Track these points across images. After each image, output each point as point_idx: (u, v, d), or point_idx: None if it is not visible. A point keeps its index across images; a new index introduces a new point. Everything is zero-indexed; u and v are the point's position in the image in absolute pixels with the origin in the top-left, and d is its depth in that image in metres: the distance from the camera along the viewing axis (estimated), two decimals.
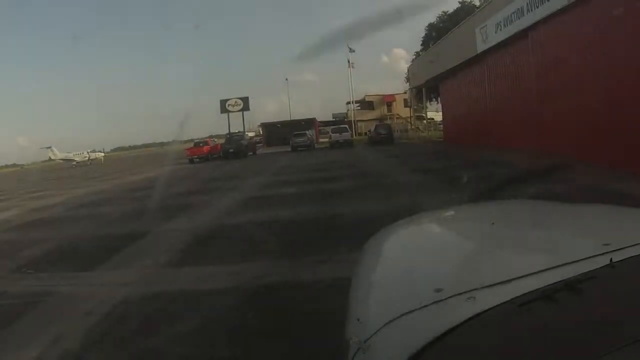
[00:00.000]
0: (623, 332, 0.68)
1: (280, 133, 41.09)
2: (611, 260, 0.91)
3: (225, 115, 42.99)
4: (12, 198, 18.84)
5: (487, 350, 0.77)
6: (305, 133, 34.50)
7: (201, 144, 32.81)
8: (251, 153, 33.36)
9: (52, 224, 10.35)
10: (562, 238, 1.35)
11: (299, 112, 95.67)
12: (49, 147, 51.42)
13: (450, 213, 1.93)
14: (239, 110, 43.65)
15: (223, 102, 43.05)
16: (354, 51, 45.94)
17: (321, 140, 38.89)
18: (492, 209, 1.85)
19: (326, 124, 45.20)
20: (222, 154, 30.78)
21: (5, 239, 8.79)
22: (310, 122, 43.35)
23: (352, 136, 34.17)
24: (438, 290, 0.95)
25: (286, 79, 61.71)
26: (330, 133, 33.45)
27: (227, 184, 14.82)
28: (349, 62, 46.78)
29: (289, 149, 32.63)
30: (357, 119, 46.68)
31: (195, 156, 31.43)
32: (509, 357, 0.74)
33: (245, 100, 43.90)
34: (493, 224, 1.48)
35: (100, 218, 10.34)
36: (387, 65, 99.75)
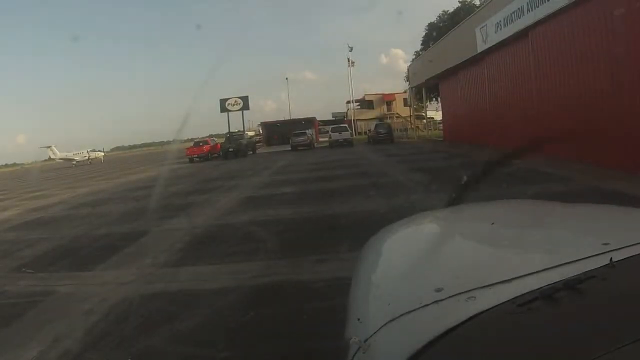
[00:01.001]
0: (623, 332, 0.68)
1: (280, 132, 41.02)
2: (611, 259, 0.90)
3: (225, 114, 42.85)
4: (13, 197, 18.85)
5: (487, 350, 0.77)
6: (305, 132, 34.42)
7: (201, 144, 32.78)
8: (251, 152, 33.35)
9: (52, 223, 10.35)
10: (562, 238, 1.34)
11: (299, 112, 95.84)
12: (49, 147, 51.30)
13: (450, 213, 1.92)
14: (238, 110, 43.48)
15: (223, 102, 42.89)
16: (351, 49, 45.90)
17: (321, 139, 38.82)
18: (492, 209, 1.85)
19: (326, 123, 45.20)
20: (222, 154, 30.75)
21: (5, 239, 8.79)
22: (310, 122, 43.28)
23: (351, 135, 34.10)
24: (438, 290, 0.95)
25: (286, 78, 61.88)
26: (330, 132, 33.39)
27: (227, 183, 14.83)
28: (348, 60, 46.79)
29: (289, 148, 32.59)
30: (356, 118, 46.64)
31: (195, 155, 31.43)
32: (509, 357, 0.74)
33: (245, 99, 43.75)
34: (493, 224, 1.48)
35: (101, 217, 10.34)
36: (387, 64, 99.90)
